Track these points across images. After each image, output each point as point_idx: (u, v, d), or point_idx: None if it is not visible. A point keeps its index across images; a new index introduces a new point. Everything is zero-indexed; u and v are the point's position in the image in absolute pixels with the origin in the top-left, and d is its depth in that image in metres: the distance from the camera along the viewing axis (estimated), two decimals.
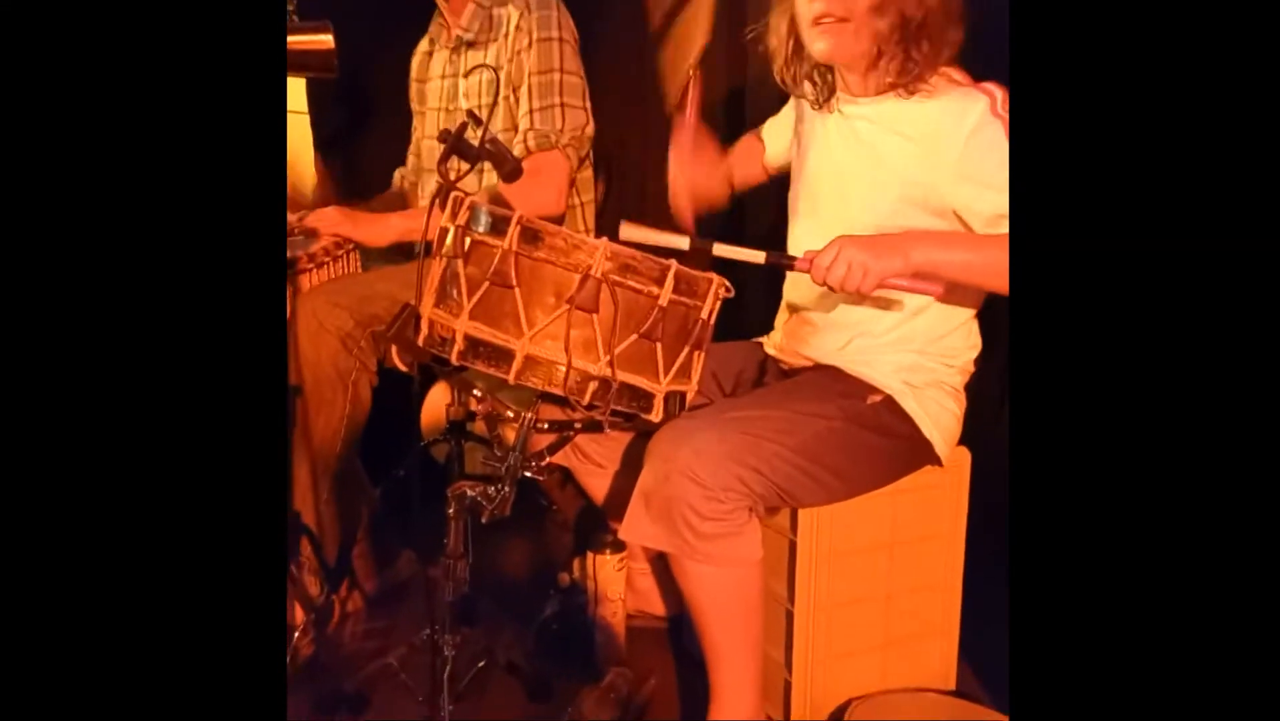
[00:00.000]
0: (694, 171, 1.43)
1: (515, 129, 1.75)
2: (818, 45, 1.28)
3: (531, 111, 1.71)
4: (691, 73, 1.34)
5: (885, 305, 1.32)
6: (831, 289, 1.19)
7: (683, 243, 1.25)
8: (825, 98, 1.37)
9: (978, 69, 1.29)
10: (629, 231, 1.25)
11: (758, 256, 1.24)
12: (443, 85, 1.86)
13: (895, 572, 1.43)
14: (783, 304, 1.49)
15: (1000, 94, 1.23)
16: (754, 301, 1.56)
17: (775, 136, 1.56)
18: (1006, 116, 1.22)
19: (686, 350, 1.14)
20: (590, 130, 1.77)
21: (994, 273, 1.16)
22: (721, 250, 1.24)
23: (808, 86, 1.38)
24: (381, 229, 1.72)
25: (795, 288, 1.46)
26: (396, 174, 2.03)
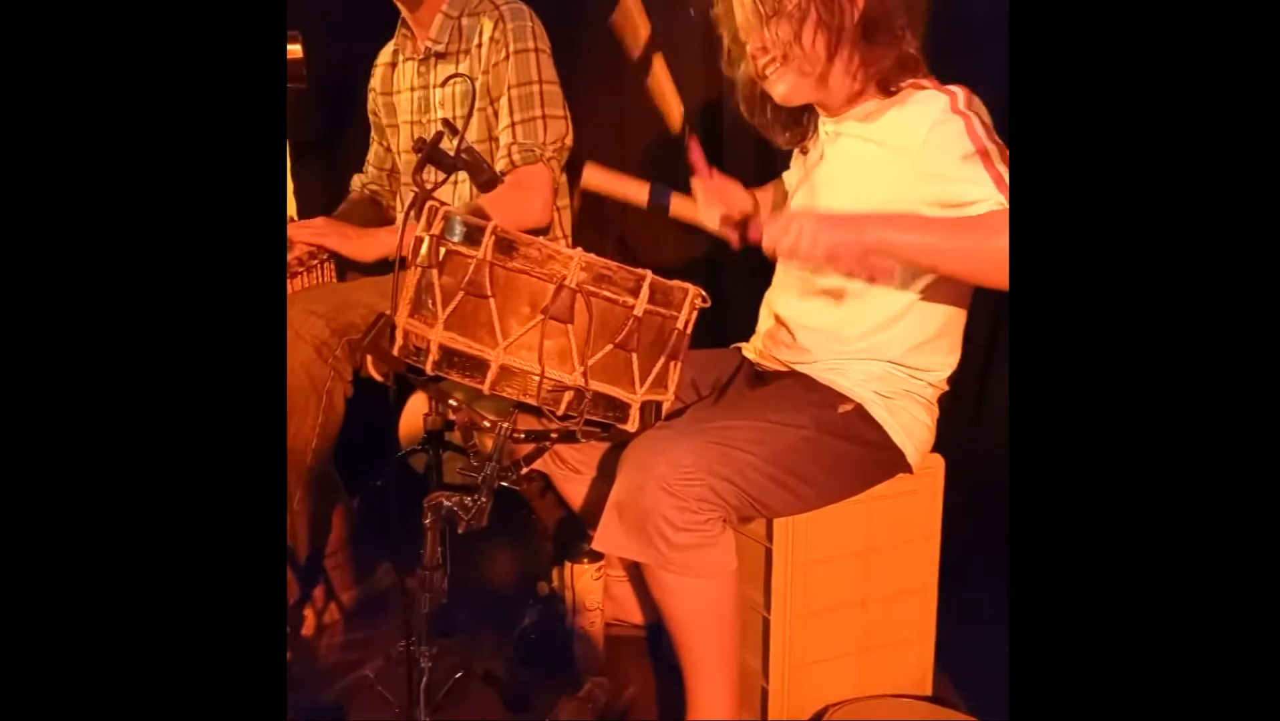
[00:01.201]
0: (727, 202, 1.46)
1: (491, 140, 1.75)
2: (778, 90, 1.32)
3: (513, 125, 1.71)
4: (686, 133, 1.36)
5: (838, 297, 1.32)
6: (781, 256, 1.16)
7: (641, 195, 1.27)
8: (799, 139, 1.42)
9: (976, 69, 1.31)
10: (592, 175, 1.28)
11: (712, 221, 1.27)
12: (413, 97, 1.86)
13: (871, 579, 1.44)
14: (764, 309, 1.50)
15: (963, 93, 1.24)
16: (739, 307, 1.56)
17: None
18: (970, 113, 1.22)
19: (662, 360, 1.15)
20: (570, 138, 1.78)
21: (960, 257, 1.13)
22: (677, 207, 1.27)
23: (781, 131, 1.41)
24: (368, 244, 1.71)
25: (776, 292, 1.47)
26: (355, 180, 2.02)
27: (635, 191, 1.28)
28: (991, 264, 1.07)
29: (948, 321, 1.35)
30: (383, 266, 1.85)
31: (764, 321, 1.50)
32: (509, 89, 1.71)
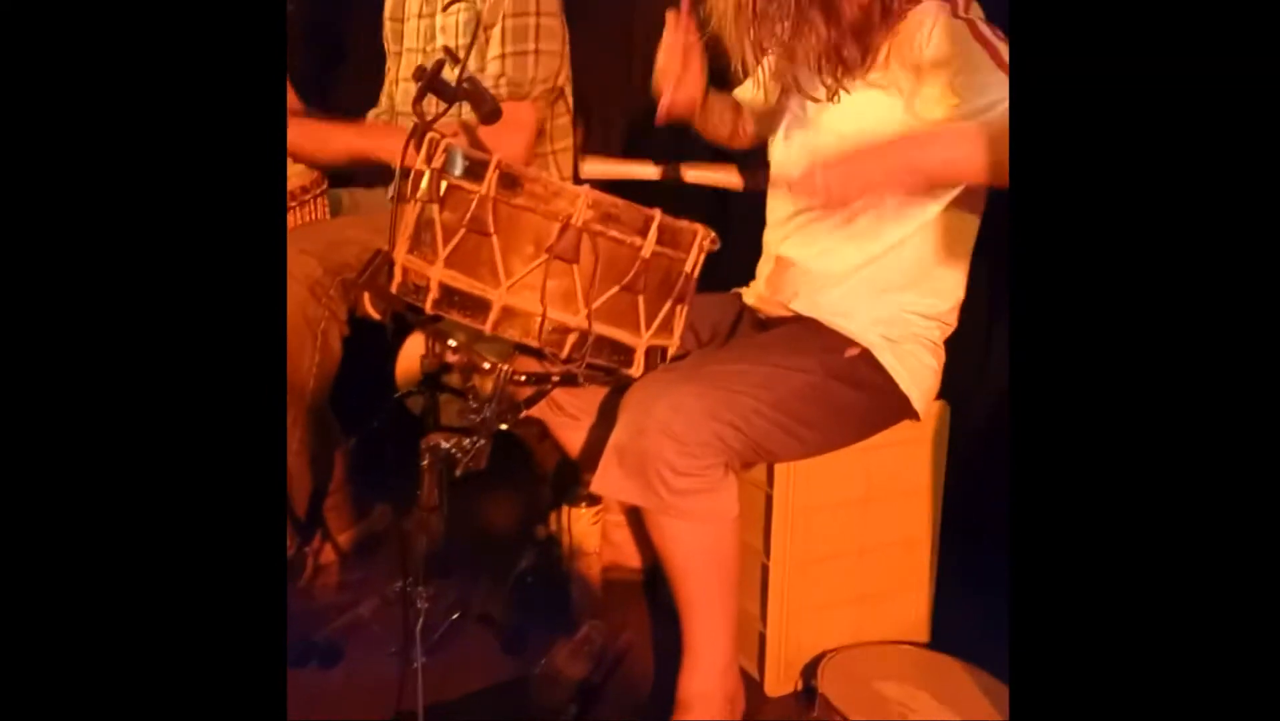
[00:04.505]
0: (681, 68, 1.38)
1: (483, 70, 1.69)
2: (816, 93, 1.27)
3: (504, 56, 1.63)
4: None
5: (835, 226, 1.30)
6: (814, 206, 1.13)
7: (651, 173, 1.21)
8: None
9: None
10: (591, 168, 1.21)
11: (734, 181, 1.21)
12: (420, 25, 1.79)
13: (870, 527, 1.44)
14: (765, 253, 1.47)
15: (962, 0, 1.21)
16: (736, 252, 1.53)
17: (747, 100, 1.52)
18: (972, 18, 1.19)
19: (669, 304, 1.12)
20: (564, 76, 1.71)
21: (985, 163, 1.09)
22: (693, 176, 1.21)
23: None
24: (327, 141, 1.60)
25: (777, 237, 1.43)
26: (370, 115, 1.96)
27: (642, 170, 1.22)
28: None
29: (950, 247, 1.32)
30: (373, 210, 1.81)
31: (765, 266, 1.47)
32: (503, 18, 1.62)
